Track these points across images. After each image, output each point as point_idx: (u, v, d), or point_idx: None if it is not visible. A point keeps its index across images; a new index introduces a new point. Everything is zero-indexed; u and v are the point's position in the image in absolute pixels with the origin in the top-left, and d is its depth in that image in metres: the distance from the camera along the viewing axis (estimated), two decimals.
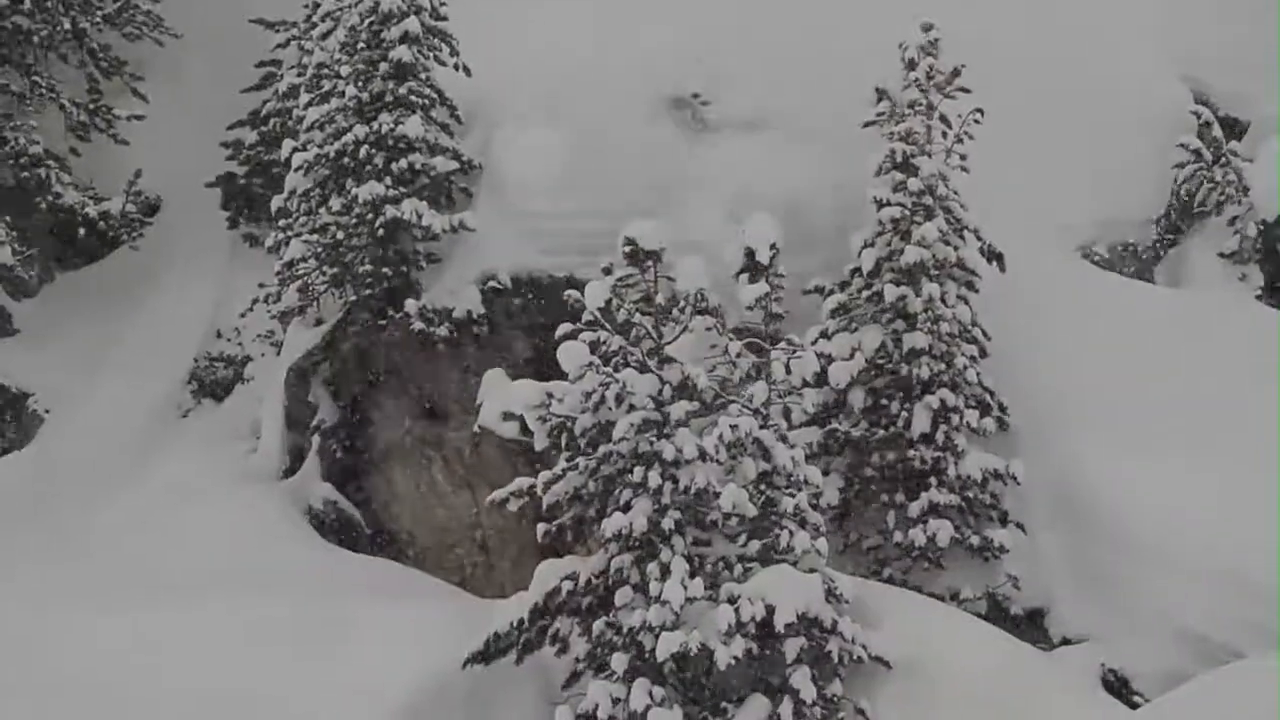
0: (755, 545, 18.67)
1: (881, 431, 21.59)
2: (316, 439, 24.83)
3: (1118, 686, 19.24)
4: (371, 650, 19.46)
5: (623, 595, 18.45)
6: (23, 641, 20.15)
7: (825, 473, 20.51)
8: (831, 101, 23.30)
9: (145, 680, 19.33)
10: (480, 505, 22.59)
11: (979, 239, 21.77)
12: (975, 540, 20.98)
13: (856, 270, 21.96)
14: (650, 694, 17.87)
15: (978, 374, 21.33)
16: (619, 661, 18.18)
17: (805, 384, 19.25)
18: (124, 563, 22.31)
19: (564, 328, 18.61)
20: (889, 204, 21.41)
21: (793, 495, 18.71)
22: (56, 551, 22.98)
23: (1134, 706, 18.35)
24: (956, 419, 21.14)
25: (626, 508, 18.41)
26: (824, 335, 21.52)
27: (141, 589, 21.21)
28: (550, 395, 18.79)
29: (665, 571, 18.18)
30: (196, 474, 25.26)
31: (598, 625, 18.63)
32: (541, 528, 19.34)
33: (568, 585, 18.99)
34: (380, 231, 23.60)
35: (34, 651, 19.91)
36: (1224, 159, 25.00)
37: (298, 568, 22.33)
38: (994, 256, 21.83)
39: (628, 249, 18.47)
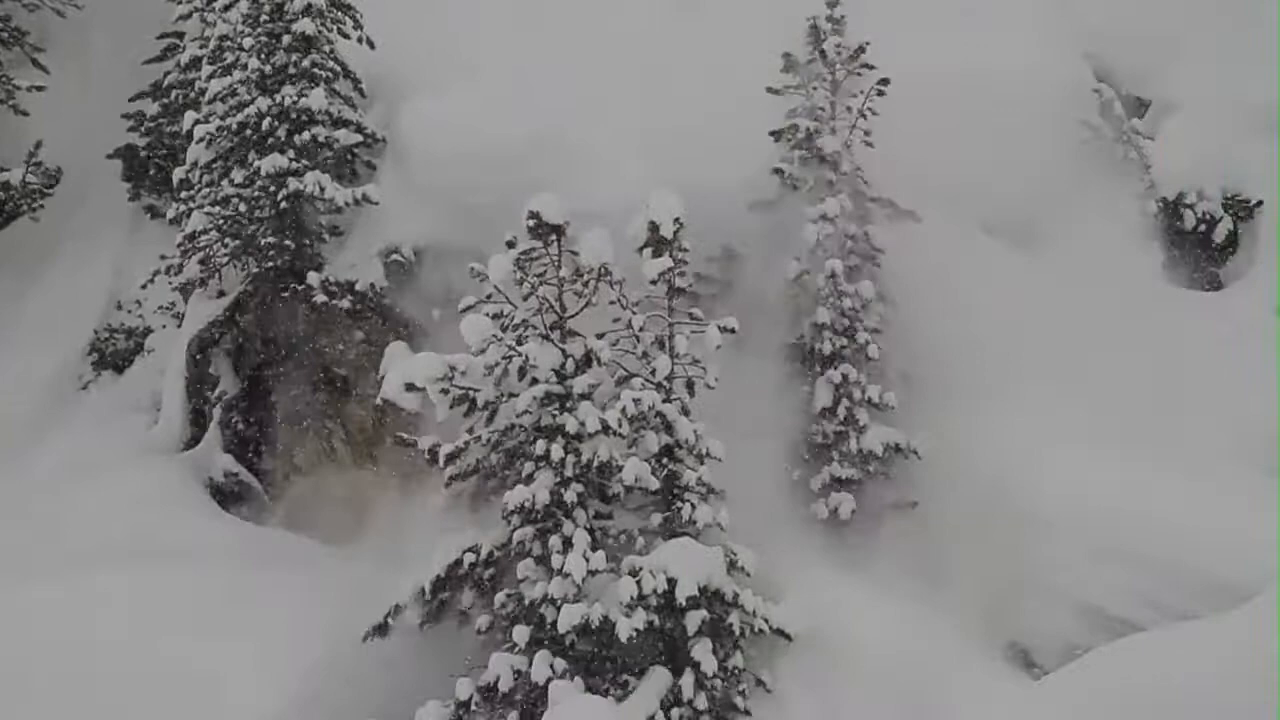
0: (658, 518, 18.75)
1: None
2: (218, 410, 24.68)
3: (1018, 659, 19.40)
4: (273, 622, 19.38)
5: (524, 568, 18.48)
6: None
7: None
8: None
9: (43, 651, 19.19)
10: (382, 477, 22.55)
11: (892, 204, 21.91)
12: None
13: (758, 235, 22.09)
14: (551, 666, 17.94)
15: (879, 349, 21.46)
16: (520, 634, 18.22)
17: (708, 357, 19.28)
18: (24, 535, 22.07)
19: (466, 300, 18.63)
20: (792, 179, 21.54)
21: (695, 469, 18.78)
22: None
23: (1035, 678, 18.47)
24: (858, 393, 21.26)
25: (529, 480, 18.43)
26: None
27: (41, 560, 20.99)
28: (452, 368, 18.75)
29: (567, 544, 18.25)
30: (97, 446, 25.05)
31: (499, 597, 18.65)
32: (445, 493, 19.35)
33: (469, 558, 18.98)
34: (283, 204, 23.48)
35: None
36: (1126, 136, 25.22)
37: (199, 539, 22.21)
38: (907, 214, 21.97)
39: (531, 222, 18.45)
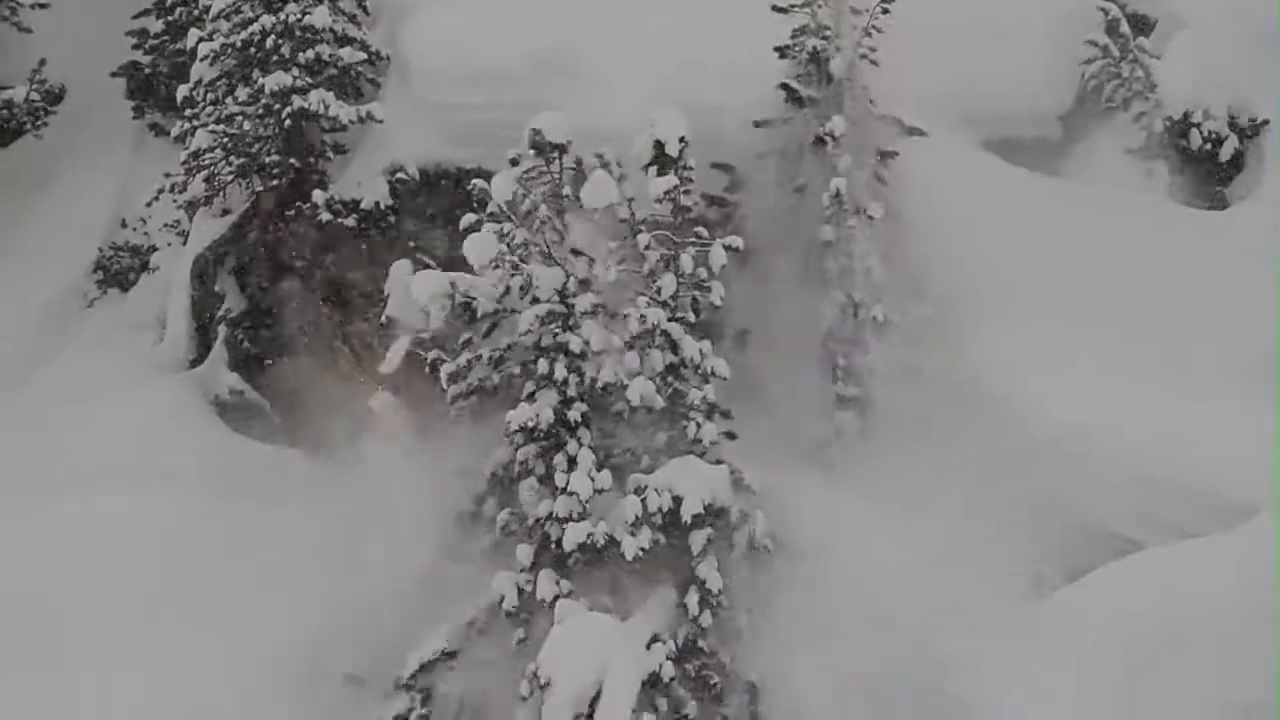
0: (663, 437, 18.76)
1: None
2: (223, 329, 24.73)
3: (1026, 578, 19.42)
4: (277, 542, 19.49)
5: (527, 487, 18.53)
6: None
7: None
8: None
9: (50, 577, 19.34)
10: (388, 395, 22.59)
11: (898, 122, 21.85)
12: None
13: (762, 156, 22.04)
14: (557, 583, 18.03)
15: (885, 268, 21.42)
16: (524, 553, 18.30)
17: (713, 276, 19.23)
18: (29, 453, 22.16)
19: (469, 219, 18.64)
20: (798, 97, 21.48)
21: (700, 388, 18.79)
22: None
23: (1039, 597, 18.54)
24: (864, 312, 21.24)
25: (531, 399, 18.46)
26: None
27: (45, 480, 21.08)
28: (455, 286, 18.77)
29: (572, 463, 18.28)
30: (102, 364, 25.13)
31: (502, 516, 18.71)
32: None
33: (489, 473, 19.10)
34: (287, 122, 23.45)
35: None
36: (1131, 55, 25.02)
37: (204, 459, 22.31)
38: (913, 131, 21.91)
39: (535, 140, 18.43)
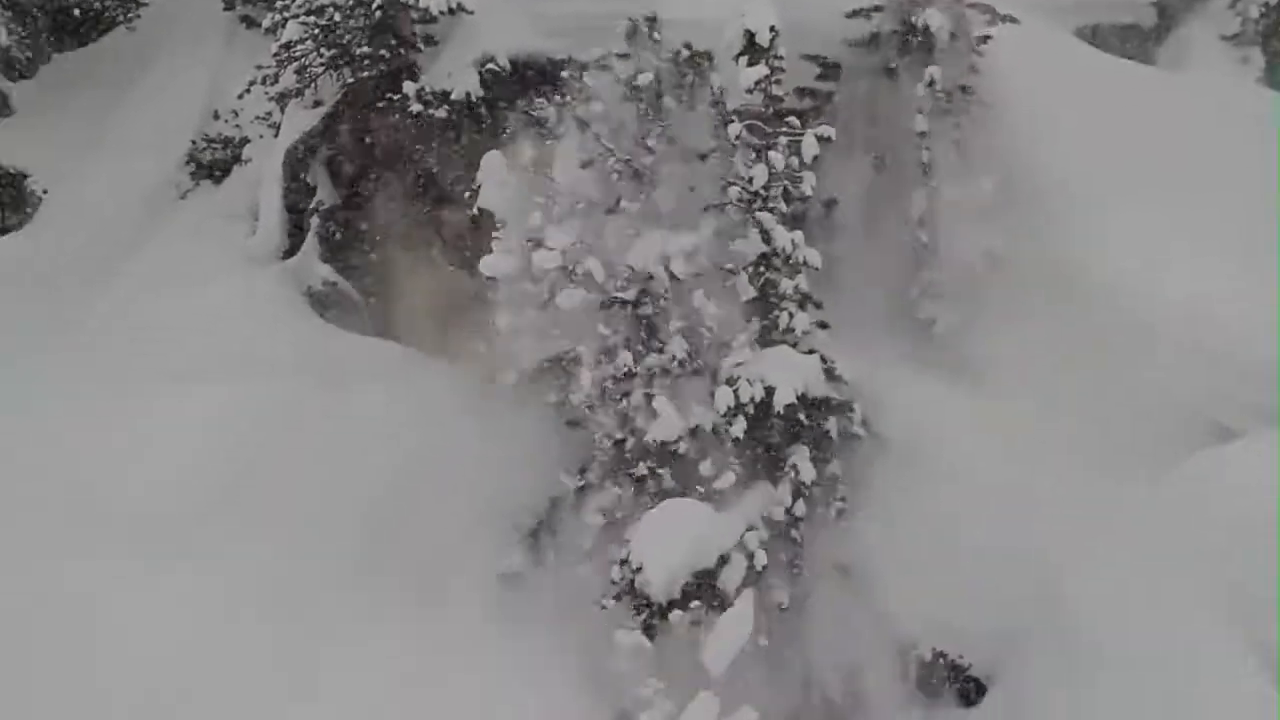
0: (755, 327, 18.80)
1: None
2: (315, 220, 24.82)
3: (1124, 466, 19.36)
4: (372, 428, 19.71)
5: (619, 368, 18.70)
6: (27, 428, 20.43)
7: None
8: None
9: (150, 460, 19.65)
10: (479, 286, 22.70)
11: (990, 9, 21.66)
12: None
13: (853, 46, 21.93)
14: (653, 471, 18.23)
15: (979, 156, 21.28)
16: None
17: (805, 166, 19.20)
18: (124, 346, 22.43)
19: (550, 113, 18.72)
20: None
21: (792, 278, 18.82)
22: (59, 333, 23.08)
23: (1135, 485, 18.51)
24: (956, 201, 21.16)
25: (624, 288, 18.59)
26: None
27: (141, 371, 21.36)
28: (549, 175, 18.88)
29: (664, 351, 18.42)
30: (195, 255, 25.26)
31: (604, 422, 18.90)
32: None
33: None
34: (377, 13, 23.42)
35: (36, 434, 20.19)
36: None
37: (298, 349, 22.50)
38: (1006, 19, 21.71)
39: (627, 29, 18.44)
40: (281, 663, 17.87)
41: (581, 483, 18.97)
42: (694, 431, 18.14)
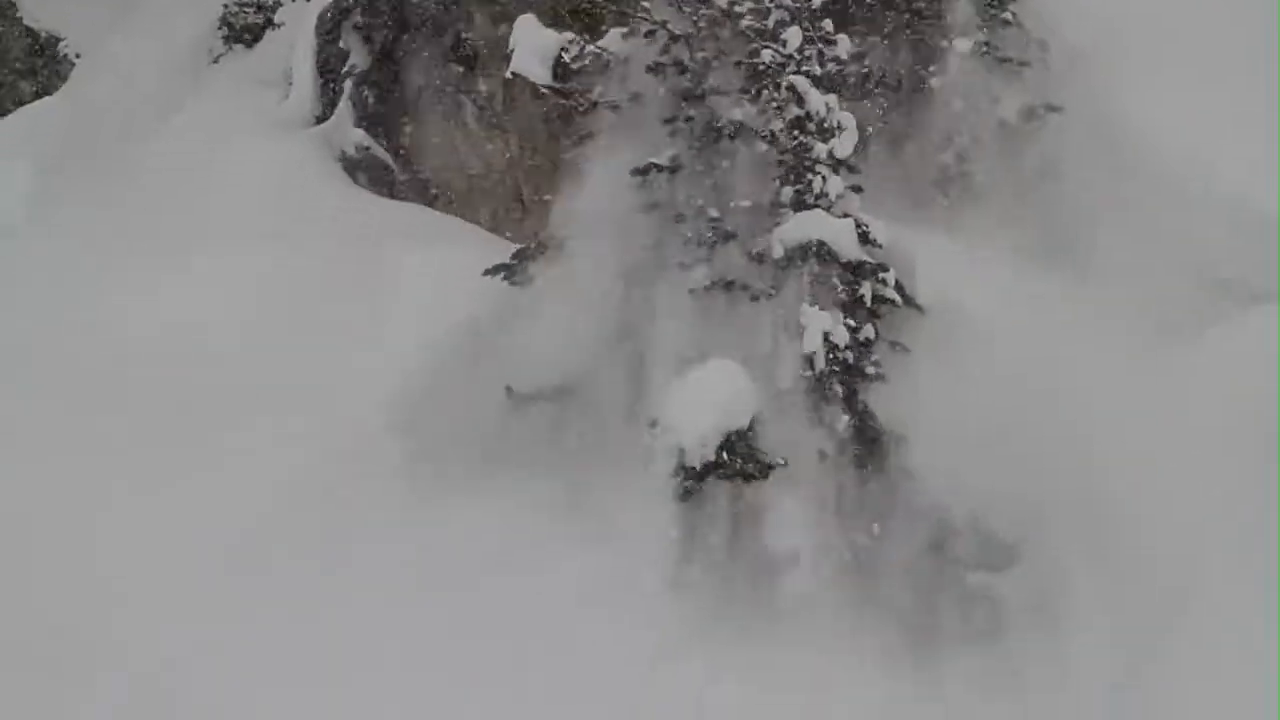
0: (789, 191, 18.71)
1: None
2: (349, 85, 24.75)
3: (1152, 331, 19.31)
4: (408, 293, 19.69)
5: None
6: (65, 289, 20.49)
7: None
8: None
9: (185, 327, 19.68)
10: (513, 150, 22.65)
11: None
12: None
13: None
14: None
15: (1014, 13, 21.05)
16: None
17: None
18: (158, 211, 22.45)
19: None
20: None
21: (826, 142, 18.70)
22: (97, 195, 23.13)
23: (1168, 349, 18.46)
24: (992, 57, 20.99)
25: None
26: None
27: (180, 234, 21.38)
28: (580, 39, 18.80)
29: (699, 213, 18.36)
30: (229, 120, 25.26)
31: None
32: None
33: None
34: None
35: (77, 299, 20.24)
36: None
37: (333, 213, 22.50)
38: None
39: None
40: (312, 552, 17.67)
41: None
42: (728, 285, 18.06)
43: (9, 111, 27.34)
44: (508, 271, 19.26)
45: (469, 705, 15.33)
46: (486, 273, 19.27)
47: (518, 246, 20.29)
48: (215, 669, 15.80)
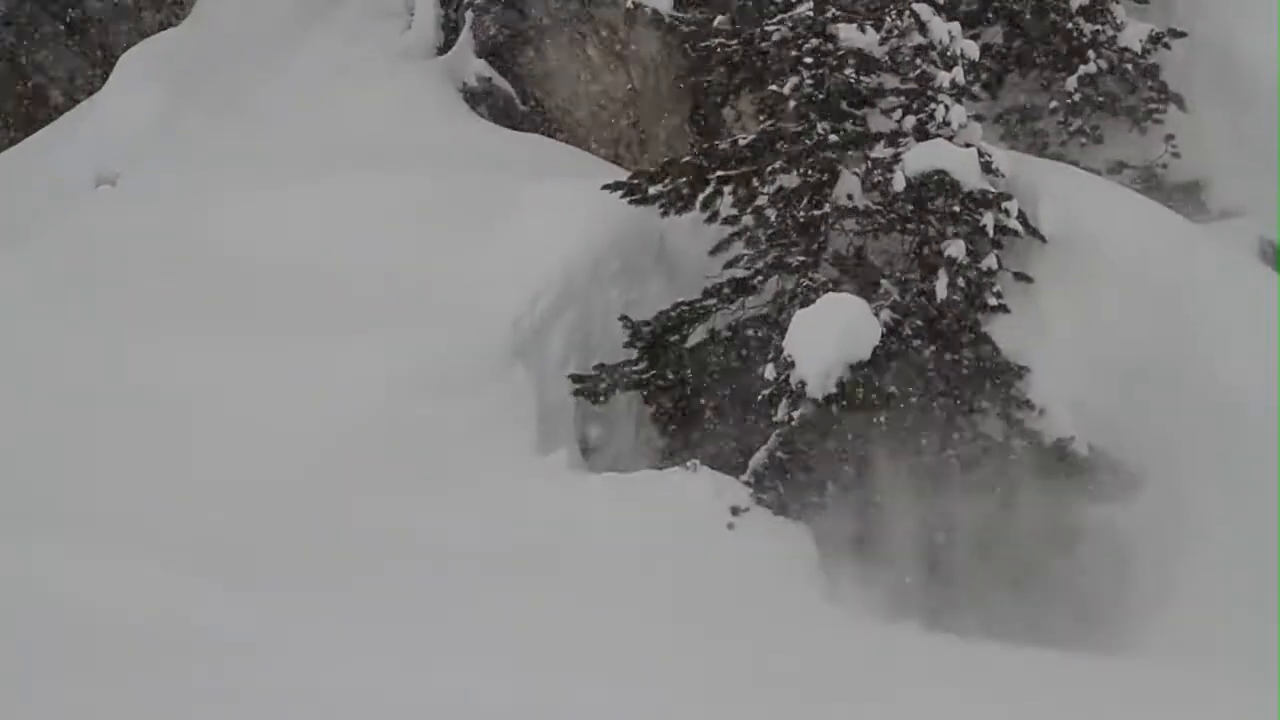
0: (911, 121, 18.63)
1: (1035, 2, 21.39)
2: (470, 15, 24.79)
3: (1277, 258, 19.18)
4: (537, 222, 19.72)
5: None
6: (187, 215, 20.70)
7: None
8: None
9: (314, 252, 19.81)
10: (634, 81, 22.66)
11: None
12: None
13: None
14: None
15: None
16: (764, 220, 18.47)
17: None
18: (287, 137, 22.56)
19: None
20: None
21: (949, 69, 18.60)
22: (224, 124, 23.28)
23: None
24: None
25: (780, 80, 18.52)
26: None
27: (308, 162, 21.48)
28: None
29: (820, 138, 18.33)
30: (352, 50, 25.27)
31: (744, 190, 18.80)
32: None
33: (723, 146, 19.13)
34: None
35: (212, 225, 20.45)
36: None
37: (458, 143, 22.51)
38: None
39: None
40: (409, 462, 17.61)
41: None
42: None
43: (134, 43, 27.51)
44: (627, 190, 19.19)
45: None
46: (605, 187, 19.20)
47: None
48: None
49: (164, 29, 27.20)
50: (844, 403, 16.85)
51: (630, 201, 19.12)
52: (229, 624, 13.51)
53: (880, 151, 18.39)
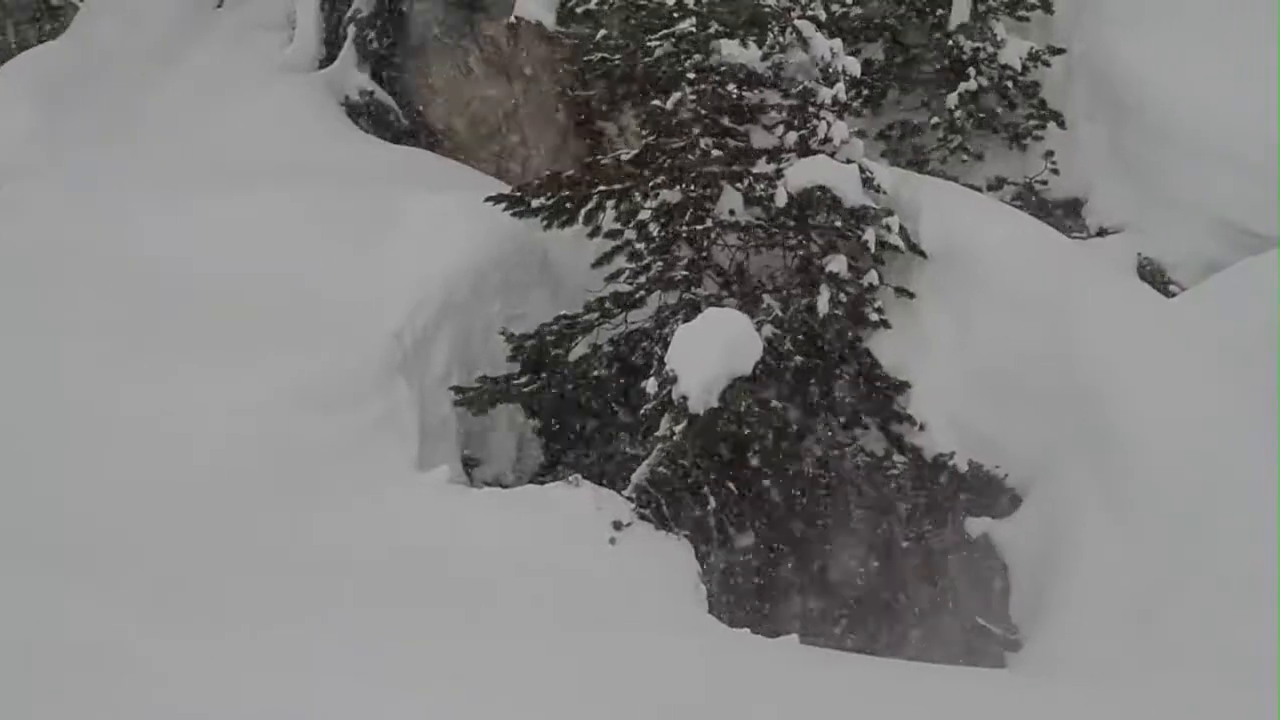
0: (793, 136, 18.67)
1: (916, 20, 21.56)
2: (352, 29, 24.72)
3: (1154, 275, 19.37)
4: (418, 236, 19.60)
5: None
6: (71, 225, 20.39)
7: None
8: None
9: (197, 265, 19.54)
10: (518, 94, 22.63)
11: None
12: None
13: None
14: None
15: None
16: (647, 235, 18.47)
17: None
18: (168, 151, 22.33)
19: None
20: None
21: (831, 86, 18.65)
22: (102, 136, 23.00)
23: (1169, 295, 18.50)
24: (995, 2, 21.05)
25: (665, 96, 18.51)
26: None
27: (188, 176, 21.25)
28: None
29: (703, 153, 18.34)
30: (233, 64, 25.13)
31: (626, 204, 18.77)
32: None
33: (606, 161, 19.10)
34: None
35: (92, 237, 20.14)
36: None
37: (340, 157, 22.40)
38: None
39: None
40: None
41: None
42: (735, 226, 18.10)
43: (13, 55, 27.20)
44: (510, 203, 19.12)
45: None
46: (488, 200, 19.13)
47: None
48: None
49: (44, 42, 26.94)
50: (725, 417, 16.77)
51: (513, 214, 19.06)
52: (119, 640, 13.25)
53: (762, 167, 18.39)
